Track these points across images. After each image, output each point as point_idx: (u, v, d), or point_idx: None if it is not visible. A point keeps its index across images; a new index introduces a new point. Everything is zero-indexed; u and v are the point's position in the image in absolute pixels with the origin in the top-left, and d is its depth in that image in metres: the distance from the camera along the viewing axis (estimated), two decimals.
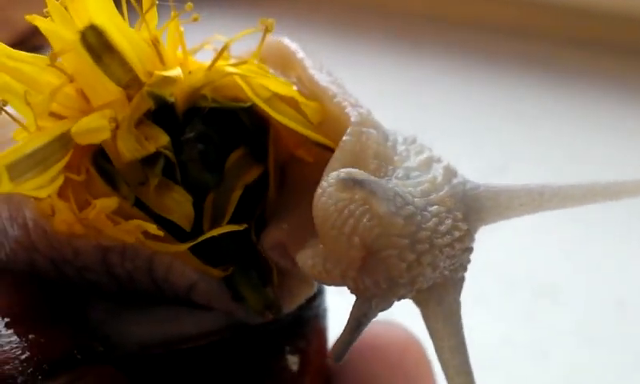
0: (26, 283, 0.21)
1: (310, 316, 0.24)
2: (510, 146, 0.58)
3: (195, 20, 0.20)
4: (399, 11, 0.78)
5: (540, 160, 0.56)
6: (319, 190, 0.18)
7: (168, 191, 0.20)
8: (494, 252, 0.47)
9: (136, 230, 0.19)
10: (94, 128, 0.18)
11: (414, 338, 0.26)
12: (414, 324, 0.26)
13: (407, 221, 0.18)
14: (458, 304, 0.19)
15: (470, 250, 0.19)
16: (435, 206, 0.19)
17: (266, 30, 0.20)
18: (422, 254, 0.18)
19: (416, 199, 0.19)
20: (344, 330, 0.18)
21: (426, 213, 0.18)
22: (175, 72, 0.19)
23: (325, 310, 0.24)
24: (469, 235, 0.19)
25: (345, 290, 0.24)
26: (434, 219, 0.18)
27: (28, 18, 0.17)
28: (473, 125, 0.59)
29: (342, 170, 0.18)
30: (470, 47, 0.70)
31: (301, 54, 0.22)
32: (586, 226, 0.50)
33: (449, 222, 0.19)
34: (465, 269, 0.19)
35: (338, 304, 0.25)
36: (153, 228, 0.19)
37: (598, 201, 0.19)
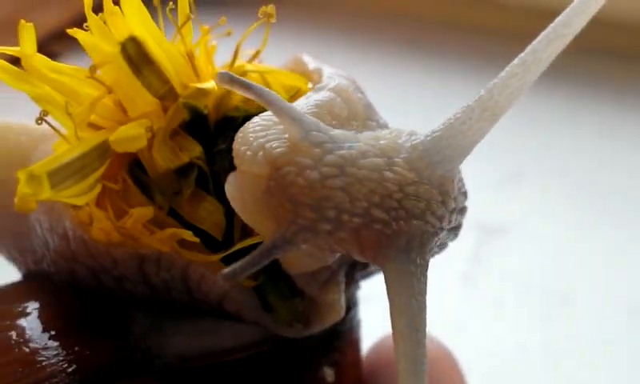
0: (69, 295, 0.21)
1: (345, 328, 0.23)
2: (526, 153, 0.57)
3: (228, 34, 0.21)
4: (413, 17, 0.78)
5: (557, 167, 0.55)
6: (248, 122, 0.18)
7: (201, 201, 0.20)
8: (508, 259, 0.46)
9: (171, 238, 0.20)
10: (131, 136, 0.18)
11: (445, 350, 0.26)
12: (445, 337, 0.27)
13: (314, 145, 0.17)
14: (415, 265, 0.17)
15: (427, 201, 0.17)
16: (360, 143, 0.18)
17: (269, 18, 0.21)
18: (327, 177, 0.17)
19: (335, 133, 0.18)
20: (252, 253, 0.17)
21: (342, 145, 0.17)
22: (209, 84, 0.20)
23: (359, 322, 0.24)
24: (418, 185, 0.17)
25: (374, 296, 0.25)
26: (352, 151, 0.17)
27: (70, 31, 0.18)
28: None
29: None
30: (485, 53, 0.70)
31: (313, 64, 0.22)
32: (600, 233, 0.49)
33: (378, 160, 0.17)
34: (425, 221, 0.17)
35: (368, 314, 0.25)
36: (188, 234, 0.19)
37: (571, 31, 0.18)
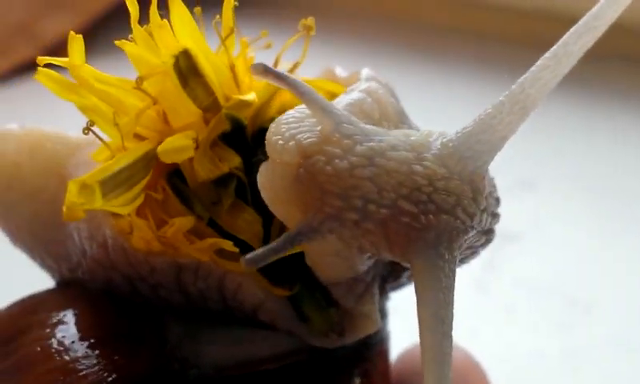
0: (106, 303, 0.21)
1: (376, 339, 0.24)
2: (540, 159, 0.57)
3: (268, 47, 0.21)
4: (422, 23, 0.78)
5: (572, 174, 0.55)
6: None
7: (240, 212, 0.20)
8: (525, 264, 0.46)
9: (211, 248, 0.20)
10: (178, 147, 0.18)
11: (474, 362, 0.26)
12: (474, 348, 0.27)
13: (344, 137, 0.17)
14: (444, 260, 0.17)
15: (457, 196, 0.17)
16: (390, 137, 0.18)
17: (309, 30, 0.21)
18: (355, 166, 0.17)
19: (367, 127, 0.18)
20: (277, 240, 0.17)
21: (372, 137, 0.18)
22: (251, 96, 0.20)
23: (388, 333, 0.25)
24: (449, 180, 0.17)
25: (399, 308, 0.25)
26: (382, 144, 0.17)
27: (118, 43, 0.18)
28: None
29: None
30: (497, 60, 0.70)
31: (346, 74, 0.22)
32: (617, 239, 0.49)
33: (408, 155, 0.17)
34: (455, 217, 0.17)
35: (393, 325, 0.25)
36: (229, 245, 0.20)
37: (600, 27, 0.18)
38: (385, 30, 0.78)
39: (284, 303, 0.21)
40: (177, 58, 0.18)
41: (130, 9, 0.18)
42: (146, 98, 0.19)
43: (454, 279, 0.17)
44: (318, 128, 0.18)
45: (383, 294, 0.23)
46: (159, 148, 0.18)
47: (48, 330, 0.20)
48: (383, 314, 0.24)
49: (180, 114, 0.19)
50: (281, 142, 0.18)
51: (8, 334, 0.21)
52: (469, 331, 0.39)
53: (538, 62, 0.18)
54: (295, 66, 0.21)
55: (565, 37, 0.18)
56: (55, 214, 0.22)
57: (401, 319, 0.26)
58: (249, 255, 0.17)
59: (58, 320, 0.20)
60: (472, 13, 0.76)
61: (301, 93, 0.18)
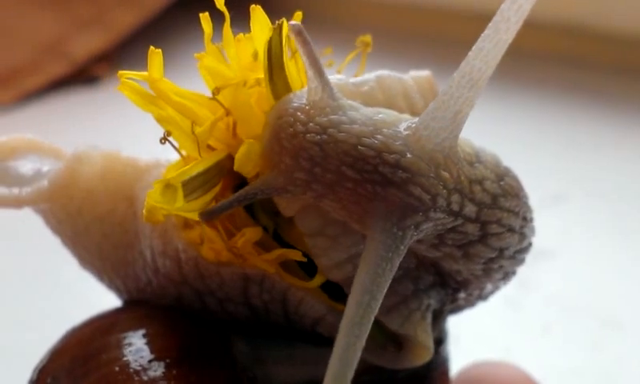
0: (177, 323, 0.21)
1: (439, 360, 0.24)
2: (568, 175, 0.57)
3: (330, 65, 0.22)
4: (450, 39, 0.78)
5: (601, 189, 0.55)
6: None
7: None
8: (558, 281, 0.45)
9: (278, 259, 0.20)
10: (254, 155, 0.19)
11: (528, 378, 0.26)
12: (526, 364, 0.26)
13: (315, 107, 0.19)
14: (389, 233, 0.18)
15: (412, 172, 0.18)
16: (355, 113, 0.19)
17: (366, 47, 0.22)
18: (309, 132, 0.18)
19: (344, 102, 0.19)
20: (237, 193, 0.19)
21: (338, 112, 0.19)
22: None
23: (448, 354, 0.25)
24: (402, 154, 0.18)
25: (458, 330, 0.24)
26: (342, 117, 0.18)
27: (197, 55, 0.19)
28: (528, 152, 0.58)
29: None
30: (526, 75, 0.70)
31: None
32: None
33: (362, 128, 0.18)
34: (407, 192, 0.18)
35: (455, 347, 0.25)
36: (297, 254, 0.20)
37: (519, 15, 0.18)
38: (412, 46, 0.79)
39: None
40: (271, 39, 0.19)
41: (205, 27, 0.19)
42: (218, 111, 0.20)
43: (399, 256, 0.18)
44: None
45: (442, 317, 0.24)
46: (237, 154, 0.19)
47: (125, 350, 0.20)
48: (443, 336, 0.24)
49: (250, 125, 0.20)
50: (275, 106, 0.19)
51: (85, 353, 0.21)
52: (503, 349, 0.39)
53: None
54: None
55: (502, 4, 0.18)
56: (124, 235, 0.23)
57: (459, 341, 0.26)
58: (214, 209, 0.19)
59: (134, 340, 0.21)
60: None
61: (310, 61, 0.18)
